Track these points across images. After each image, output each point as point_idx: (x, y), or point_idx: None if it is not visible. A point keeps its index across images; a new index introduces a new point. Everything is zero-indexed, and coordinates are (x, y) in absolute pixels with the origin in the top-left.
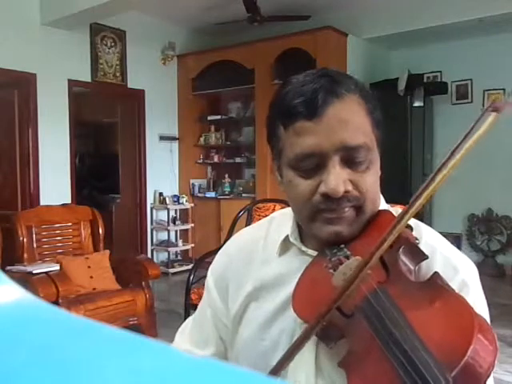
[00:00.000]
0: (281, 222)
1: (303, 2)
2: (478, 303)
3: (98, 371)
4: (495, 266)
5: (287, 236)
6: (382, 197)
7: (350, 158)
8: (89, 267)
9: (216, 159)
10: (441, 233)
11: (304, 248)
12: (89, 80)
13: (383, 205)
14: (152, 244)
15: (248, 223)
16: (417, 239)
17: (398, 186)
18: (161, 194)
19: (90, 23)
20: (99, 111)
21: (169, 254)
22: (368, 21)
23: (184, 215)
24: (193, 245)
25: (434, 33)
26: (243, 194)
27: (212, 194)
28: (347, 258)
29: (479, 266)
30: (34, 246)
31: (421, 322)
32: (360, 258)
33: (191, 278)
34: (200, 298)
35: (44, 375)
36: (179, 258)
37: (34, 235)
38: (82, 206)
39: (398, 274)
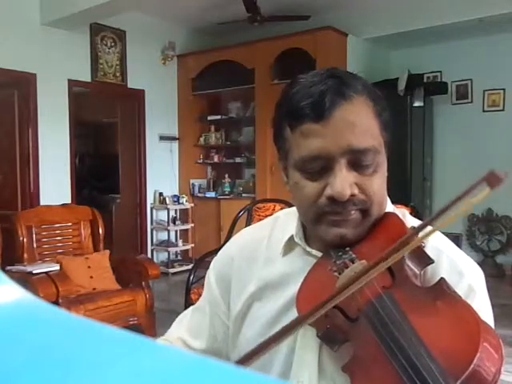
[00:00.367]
0: (285, 221)
1: (303, 2)
2: (484, 309)
3: (98, 371)
4: (495, 266)
5: (292, 236)
6: (388, 198)
7: (357, 161)
8: (89, 267)
9: (216, 159)
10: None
11: (308, 248)
12: (89, 80)
13: (389, 206)
14: (152, 244)
15: (248, 223)
16: (423, 243)
17: (398, 186)
18: (161, 194)
19: (90, 23)
20: (99, 111)
21: (169, 254)
22: (368, 21)
23: (184, 215)
24: (193, 245)
25: (433, 33)
26: (243, 194)
27: (212, 194)
28: (352, 261)
29: (479, 266)
30: (34, 246)
31: (426, 328)
32: (365, 263)
33: (191, 278)
34: (200, 297)
35: (44, 375)
36: (179, 258)
37: (33, 235)
38: (81, 206)
39: (403, 279)
